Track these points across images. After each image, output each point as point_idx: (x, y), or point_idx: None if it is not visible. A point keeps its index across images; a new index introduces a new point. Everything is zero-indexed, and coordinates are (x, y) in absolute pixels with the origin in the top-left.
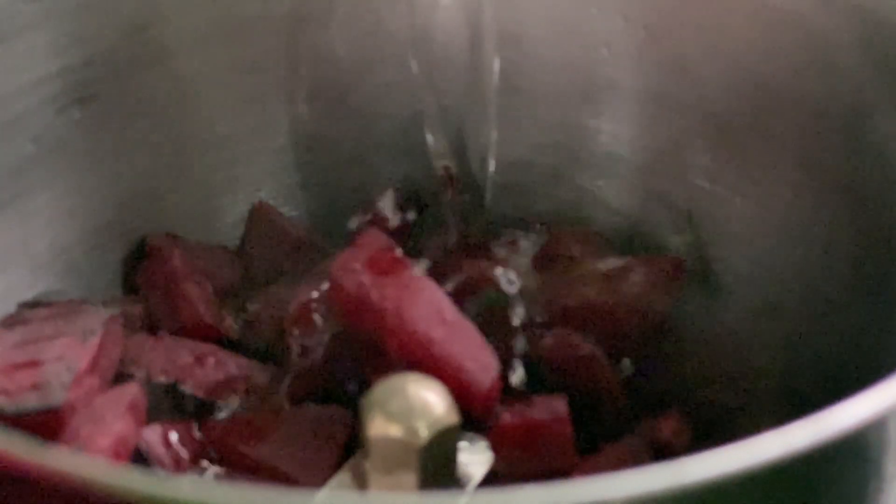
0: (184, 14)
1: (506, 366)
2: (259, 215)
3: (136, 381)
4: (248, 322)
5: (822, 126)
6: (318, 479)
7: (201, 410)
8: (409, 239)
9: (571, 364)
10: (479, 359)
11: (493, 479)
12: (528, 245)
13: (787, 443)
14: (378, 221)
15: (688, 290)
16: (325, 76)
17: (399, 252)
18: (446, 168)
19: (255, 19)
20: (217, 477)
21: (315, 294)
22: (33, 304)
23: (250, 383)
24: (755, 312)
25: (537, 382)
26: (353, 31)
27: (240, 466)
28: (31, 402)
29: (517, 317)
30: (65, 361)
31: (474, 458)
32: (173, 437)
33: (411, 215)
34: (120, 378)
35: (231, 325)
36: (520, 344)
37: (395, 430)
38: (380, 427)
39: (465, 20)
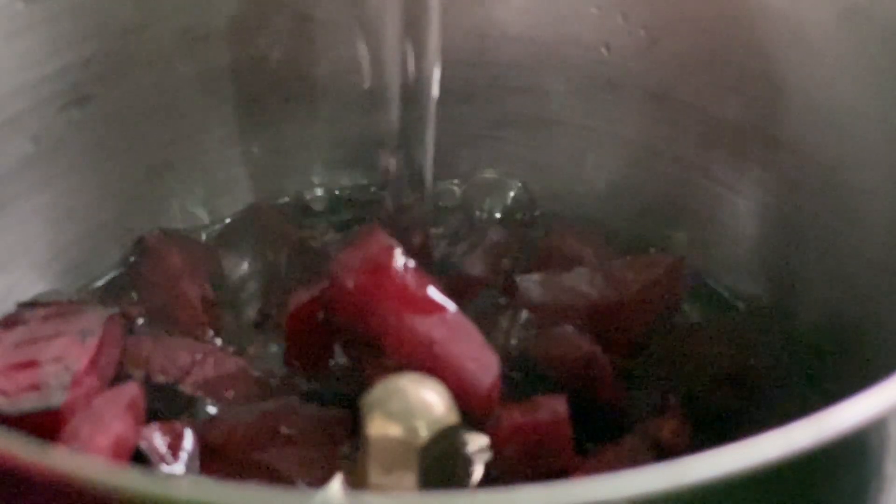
0: (182, 14)
1: (506, 366)
2: (257, 215)
3: (135, 380)
4: (247, 321)
5: (820, 125)
6: (318, 479)
7: (200, 410)
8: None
9: (571, 363)
10: (479, 359)
11: (493, 479)
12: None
13: (787, 443)
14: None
15: (687, 289)
16: (327, 75)
17: (399, 251)
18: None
19: (254, 19)
20: (217, 477)
21: (315, 294)
22: (32, 304)
23: (249, 383)
24: (755, 311)
25: (537, 382)
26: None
27: (240, 466)
28: (30, 402)
29: (517, 316)
30: (64, 362)
31: (474, 457)
32: (172, 436)
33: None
34: (119, 378)
35: (230, 324)
36: (520, 344)
37: (394, 430)
38: (380, 427)
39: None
